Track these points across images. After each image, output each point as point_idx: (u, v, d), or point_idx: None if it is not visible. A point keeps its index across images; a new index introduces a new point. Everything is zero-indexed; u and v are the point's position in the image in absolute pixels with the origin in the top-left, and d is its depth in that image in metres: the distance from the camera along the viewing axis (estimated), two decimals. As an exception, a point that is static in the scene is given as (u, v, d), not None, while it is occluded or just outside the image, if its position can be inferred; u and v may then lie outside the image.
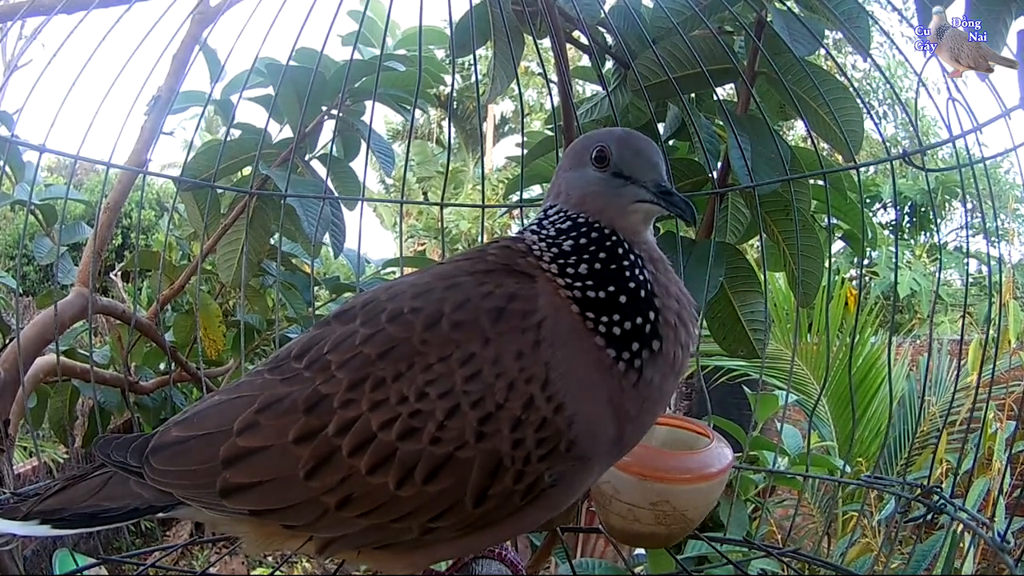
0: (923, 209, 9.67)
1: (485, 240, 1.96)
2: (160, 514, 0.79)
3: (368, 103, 1.88)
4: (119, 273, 2.70)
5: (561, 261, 0.76)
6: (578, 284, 0.74)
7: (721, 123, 1.58)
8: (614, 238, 0.77)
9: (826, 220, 1.57)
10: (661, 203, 0.77)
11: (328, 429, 0.71)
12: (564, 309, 0.74)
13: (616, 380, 0.73)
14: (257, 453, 0.73)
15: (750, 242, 1.95)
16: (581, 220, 0.78)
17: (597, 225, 0.78)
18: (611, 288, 0.74)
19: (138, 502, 0.78)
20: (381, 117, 11.35)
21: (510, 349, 0.70)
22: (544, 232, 0.79)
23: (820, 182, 1.44)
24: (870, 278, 7.47)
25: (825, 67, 1.58)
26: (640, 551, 1.89)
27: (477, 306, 0.73)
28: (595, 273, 0.75)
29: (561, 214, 0.80)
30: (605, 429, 0.73)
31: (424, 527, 0.72)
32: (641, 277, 0.76)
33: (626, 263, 0.76)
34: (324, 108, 1.92)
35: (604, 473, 1.03)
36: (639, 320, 0.73)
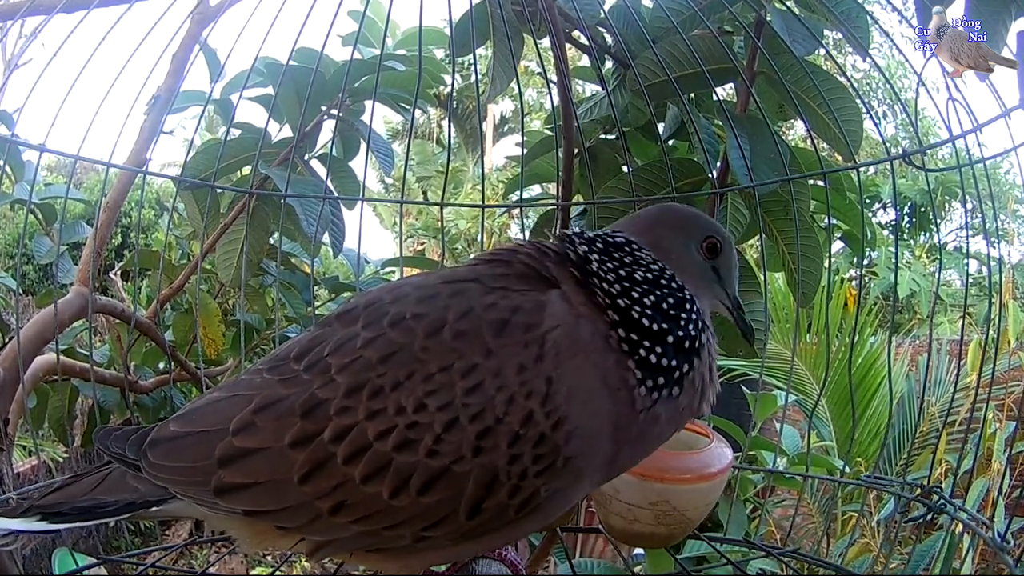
0: (923, 209, 9.68)
1: (484, 240, 1.96)
2: (155, 508, 0.79)
3: (368, 103, 1.88)
4: (118, 272, 2.70)
5: (627, 284, 0.76)
6: (636, 309, 0.75)
7: (720, 123, 1.58)
8: (691, 298, 0.79)
9: (825, 220, 1.57)
10: (734, 315, 0.86)
11: (324, 435, 0.71)
12: (587, 321, 0.73)
13: (630, 399, 0.73)
14: (253, 454, 0.72)
15: (749, 242, 1.95)
16: (669, 273, 0.80)
17: (683, 285, 0.80)
18: (664, 326, 0.75)
19: (134, 496, 0.78)
20: (381, 117, 11.35)
21: (512, 362, 0.70)
22: (615, 256, 0.79)
23: (819, 182, 1.44)
24: (870, 278, 7.47)
25: (825, 67, 1.57)
26: (640, 551, 1.89)
27: (480, 316, 0.72)
28: (659, 308, 0.76)
29: (654, 261, 0.80)
30: (601, 446, 0.73)
31: (417, 535, 0.72)
32: (700, 338, 0.78)
33: (692, 317, 0.78)
34: (324, 108, 1.91)
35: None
36: (675, 363, 0.75)
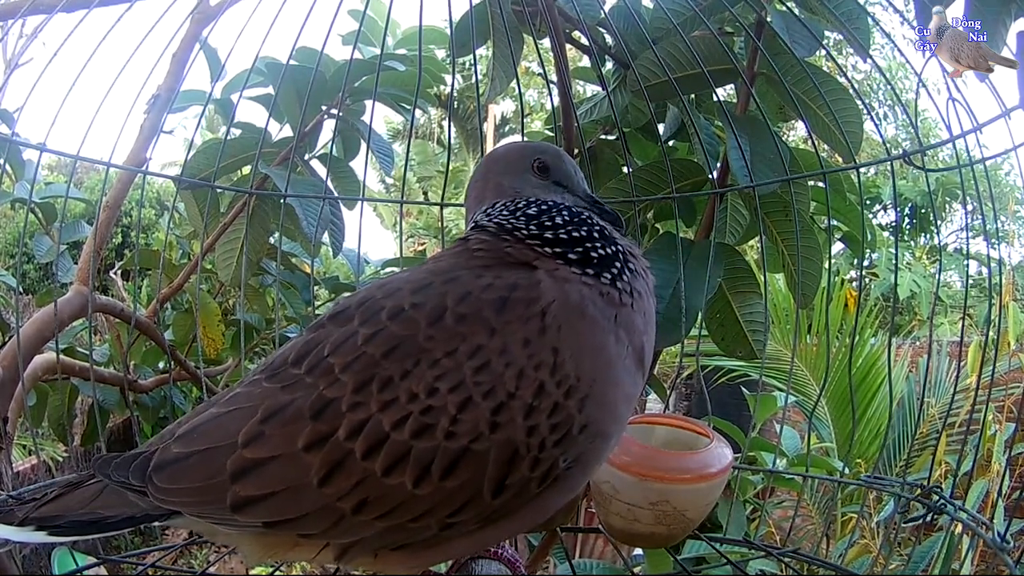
0: (923, 210, 9.69)
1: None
2: (156, 522, 0.78)
3: (368, 103, 1.88)
4: (119, 271, 2.70)
5: (546, 234, 0.82)
6: (563, 234, 0.81)
7: (720, 124, 1.58)
8: (565, 205, 0.87)
9: (826, 221, 1.57)
10: (594, 211, 0.90)
11: (339, 433, 0.70)
12: (569, 282, 0.76)
13: (619, 305, 0.77)
14: (266, 464, 0.71)
15: (749, 243, 1.95)
16: (535, 200, 0.87)
17: (552, 202, 0.87)
18: (585, 229, 0.82)
19: (134, 510, 0.77)
20: (381, 117, 11.38)
21: (517, 338, 0.71)
22: (516, 218, 0.84)
23: (819, 183, 1.44)
24: (870, 279, 7.47)
25: (825, 68, 1.57)
26: (639, 551, 1.89)
27: (479, 298, 0.73)
28: (571, 222, 0.83)
29: (521, 202, 0.87)
30: (624, 389, 0.75)
31: (443, 523, 0.72)
32: (600, 224, 0.86)
33: (585, 215, 0.86)
34: (324, 108, 1.91)
35: (604, 473, 1.04)
36: (611, 248, 0.81)
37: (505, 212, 0.85)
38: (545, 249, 0.80)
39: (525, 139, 1.81)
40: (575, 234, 0.81)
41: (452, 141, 2.20)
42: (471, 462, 0.69)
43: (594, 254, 0.80)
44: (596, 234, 0.82)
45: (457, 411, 0.69)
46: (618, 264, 0.80)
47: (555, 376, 0.70)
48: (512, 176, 0.90)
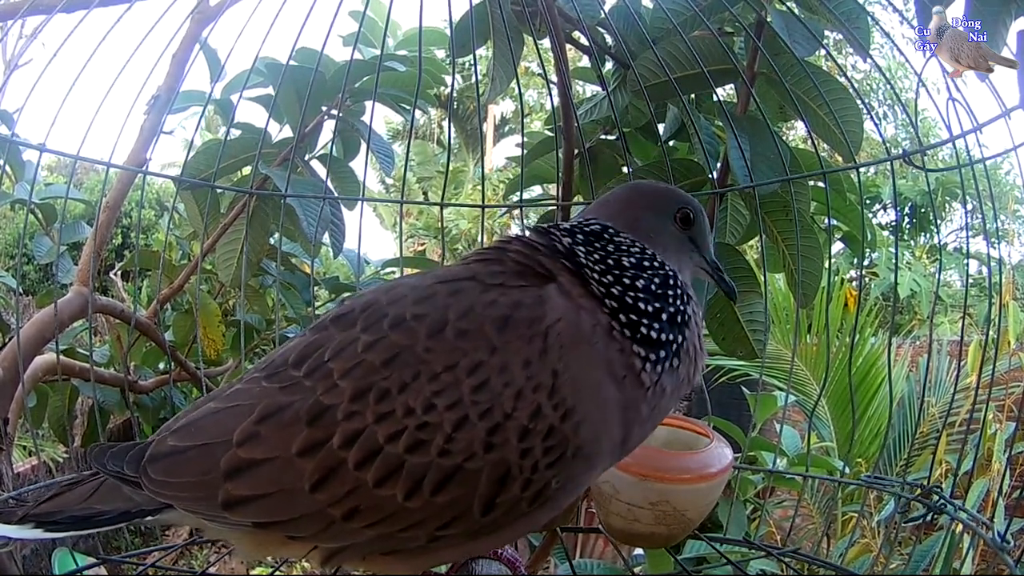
0: (923, 210, 9.69)
1: (485, 240, 1.97)
2: (149, 517, 0.78)
3: (368, 103, 1.88)
4: (119, 272, 2.70)
5: (616, 272, 0.78)
6: (630, 295, 0.77)
7: (720, 124, 1.58)
8: (674, 274, 0.82)
9: (826, 221, 1.57)
10: (715, 278, 0.91)
11: (333, 441, 0.70)
12: (587, 313, 0.75)
13: (636, 379, 0.74)
14: (260, 465, 0.71)
15: (750, 243, 1.95)
16: (650, 253, 0.82)
17: (664, 262, 0.83)
18: (657, 304, 0.78)
19: (128, 505, 0.77)
20: (381, 117, 11.35)
21: (517, 358, 0.70)
22: (599, 245, 0.81)
23: (820, 183, 1.44)
24: (870, 279, 7.47)
25: (825, 68, 1.57)
26: (640, 551, 1.89)
27: (481, 315, 0.72)
28: (648, 289, 0.78)
29: (634, 243, 0.83)
30: (611, 432, 0.74)
31: (432, 535, 0.72)
32: (687, 310, 0.81)
33: (678, 292, 0.81)
34: (324, 108, 1.92)
35: (604, 473, 1.04)
36: (671, 336, 0.78)
37: (612, 250, 0.81)
38: (602, 296, 0.76)
39: (523, 149, 1.81)
40: (646, 306, 0.77)
41: (452, 141, 2.20)
42: (463, 480, 0.69)
43: (662, 335, 0.76)
44: (679, 318, 0.79)
45: (453, 429, 0.68)
46: (676, 360, 0.77)
47: (552, 399, 0.70)
48: (654, 215, 0.87)
